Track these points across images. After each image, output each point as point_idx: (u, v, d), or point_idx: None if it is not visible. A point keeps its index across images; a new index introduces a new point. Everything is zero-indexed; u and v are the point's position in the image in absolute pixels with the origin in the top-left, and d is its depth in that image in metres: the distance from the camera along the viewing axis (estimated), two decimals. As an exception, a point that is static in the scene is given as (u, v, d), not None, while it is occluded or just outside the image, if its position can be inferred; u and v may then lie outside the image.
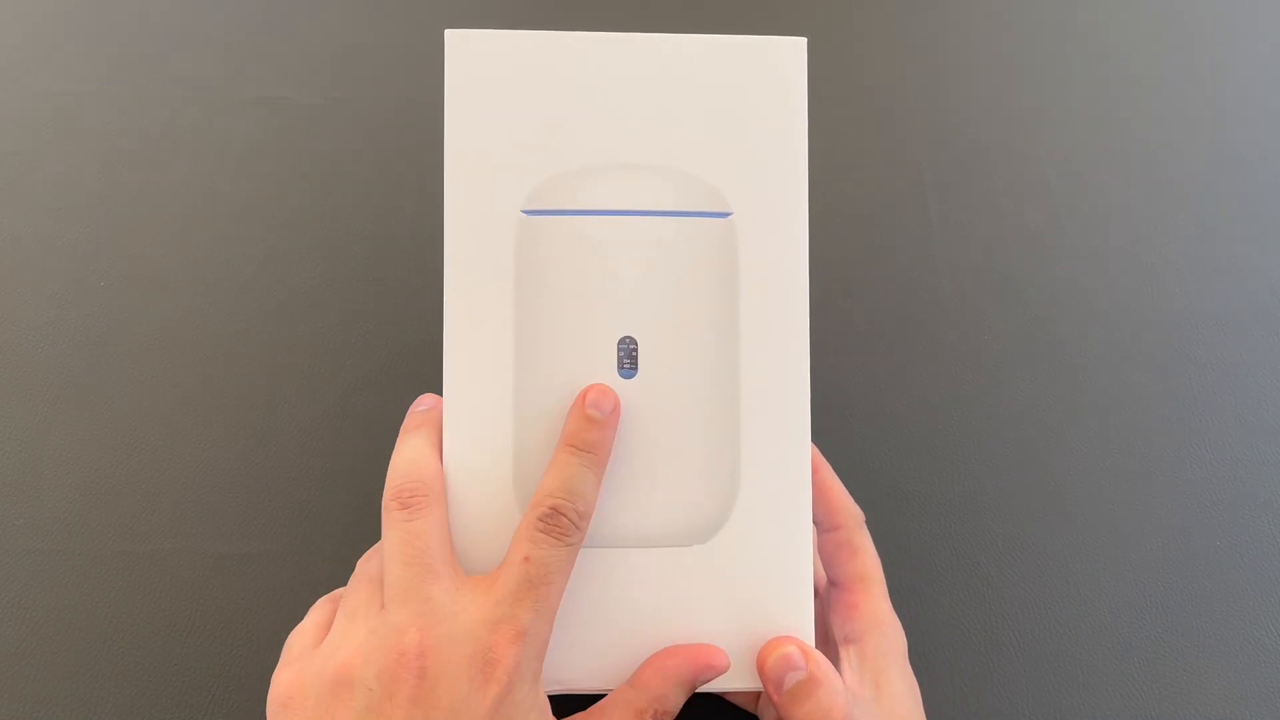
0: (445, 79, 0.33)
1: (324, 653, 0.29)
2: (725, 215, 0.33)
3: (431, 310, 0.49)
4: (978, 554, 0.44)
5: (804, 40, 0.34)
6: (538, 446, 0.32)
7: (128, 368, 0.47)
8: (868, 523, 0.37)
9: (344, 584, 0.42)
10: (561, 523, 0.29)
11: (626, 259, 0.33)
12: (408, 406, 0.46)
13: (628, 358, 0.33)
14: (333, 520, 0.44)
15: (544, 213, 0.33)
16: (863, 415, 0.47)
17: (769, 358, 0.33)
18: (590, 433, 0.30)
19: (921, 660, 0.42)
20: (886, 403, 0.48)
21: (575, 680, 0.32)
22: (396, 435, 0.45)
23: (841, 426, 0.47)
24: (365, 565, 0.33)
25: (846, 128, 0.56)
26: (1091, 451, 0.47)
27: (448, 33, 0.34)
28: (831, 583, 0.36)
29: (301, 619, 0.41)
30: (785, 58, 0.34)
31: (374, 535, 0.44)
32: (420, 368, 0.47)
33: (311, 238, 0.51)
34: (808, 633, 0.33)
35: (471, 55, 0.33)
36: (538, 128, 0.33)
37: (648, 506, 0.32)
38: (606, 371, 0.32)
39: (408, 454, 0.32)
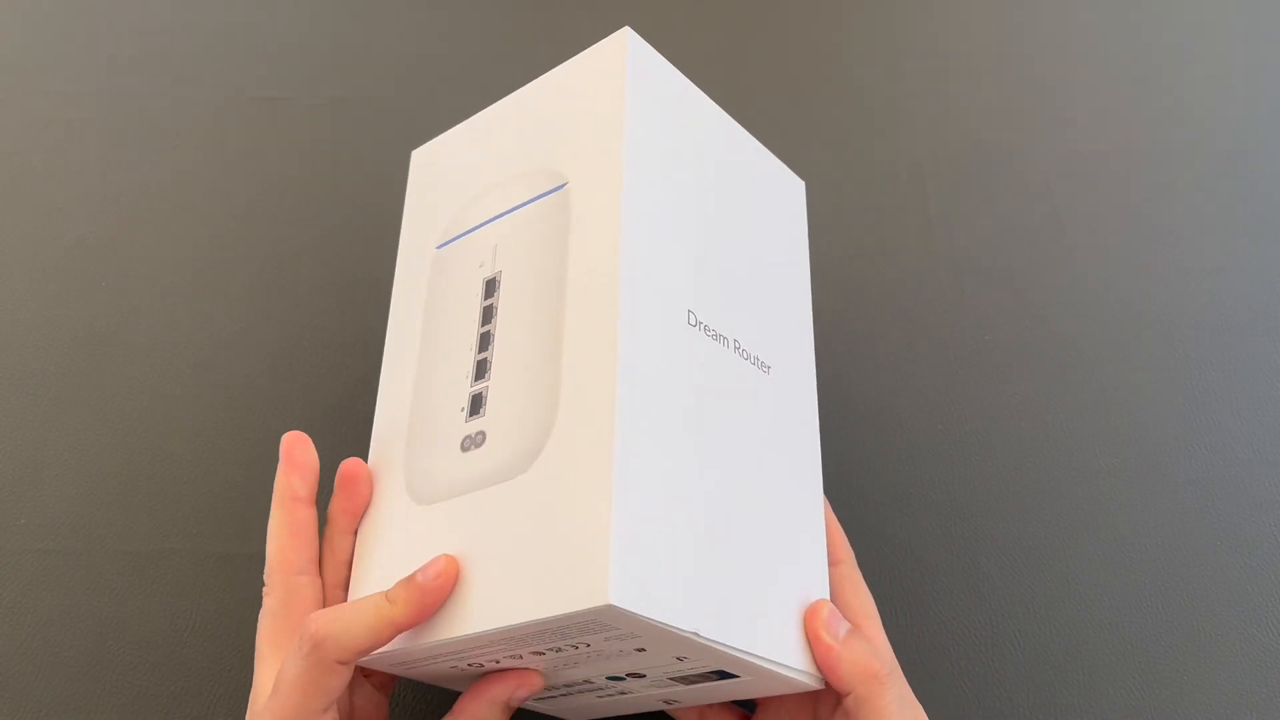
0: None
1: None
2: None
3: (432, 310, 0.49)
4: (978, 554, 0.44)
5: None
6: None
7: (128, 368, 0.47)
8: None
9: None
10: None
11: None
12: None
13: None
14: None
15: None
16: (863, 415, 0.47)
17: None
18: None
19: (921, 660, 0.42)
20: (887, 403, 0.48)
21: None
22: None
23: (841, 427, 0.47)
24: None
25: (846, 127, 0.56)
26: (1091, 451, 0.47)
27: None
28: None
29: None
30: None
31: (374, 535, 0.44)
32: (420, 368, 0.47)
33: (311, 238, 0.51)
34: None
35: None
36: None
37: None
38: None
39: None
